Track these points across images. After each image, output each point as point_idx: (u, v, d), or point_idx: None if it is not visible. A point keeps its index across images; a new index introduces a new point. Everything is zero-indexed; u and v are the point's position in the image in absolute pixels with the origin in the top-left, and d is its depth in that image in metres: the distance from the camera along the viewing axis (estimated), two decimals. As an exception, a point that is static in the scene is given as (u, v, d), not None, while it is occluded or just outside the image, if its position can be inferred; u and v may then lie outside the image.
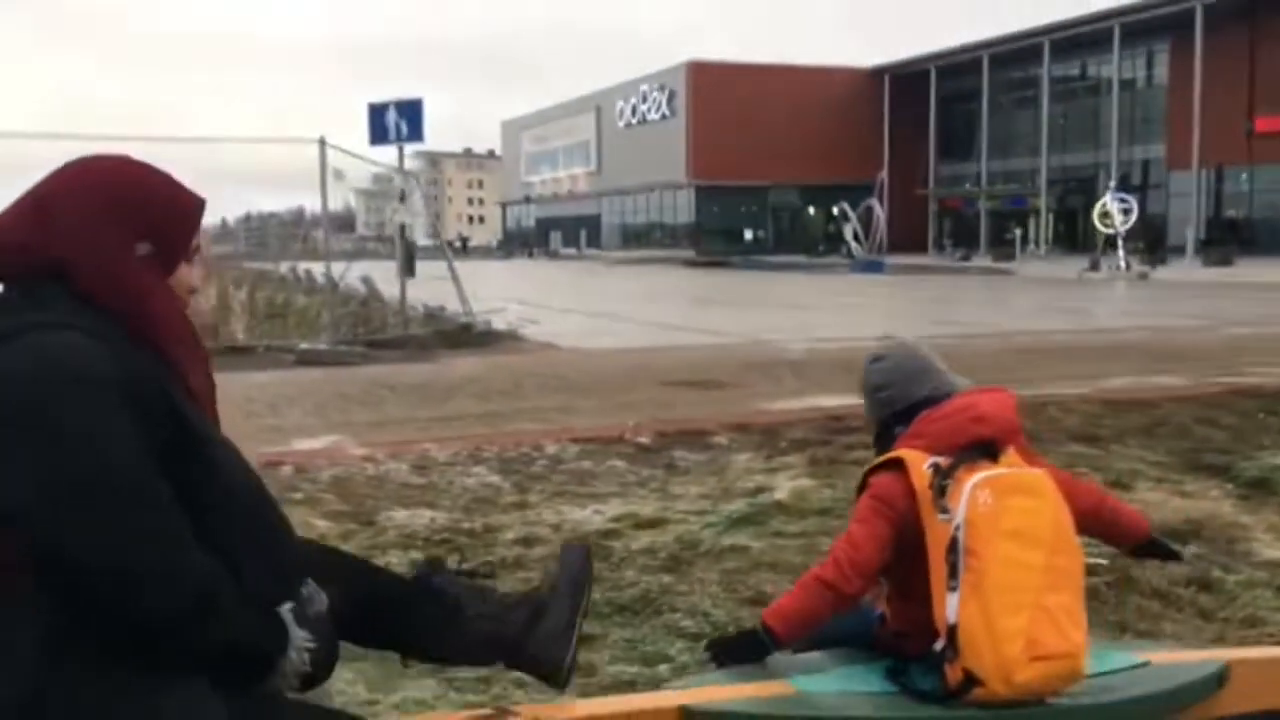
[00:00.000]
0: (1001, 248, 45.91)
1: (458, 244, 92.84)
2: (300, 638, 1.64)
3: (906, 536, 2.41)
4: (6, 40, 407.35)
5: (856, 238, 47.74)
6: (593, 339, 16.02)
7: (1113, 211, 36.41)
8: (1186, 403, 9.33)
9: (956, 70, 61.07)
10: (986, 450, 2.41)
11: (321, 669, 1.72)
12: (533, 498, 6.57)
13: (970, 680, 2.26)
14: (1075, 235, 52.35)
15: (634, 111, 73.77)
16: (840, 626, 2.63)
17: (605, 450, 7.75)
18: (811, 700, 2.33)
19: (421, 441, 8.07)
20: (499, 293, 25.61)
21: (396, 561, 5.30)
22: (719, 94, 65.25)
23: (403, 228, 16.19)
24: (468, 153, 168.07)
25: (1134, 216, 37.04)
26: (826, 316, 21.16)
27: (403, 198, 16.05)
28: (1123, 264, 35.28)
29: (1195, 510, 6.17)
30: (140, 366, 1.53)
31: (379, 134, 15.03)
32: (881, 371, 2.68)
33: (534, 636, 2.06)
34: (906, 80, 64.69)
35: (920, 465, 2.42)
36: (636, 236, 75.13)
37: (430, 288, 19.54)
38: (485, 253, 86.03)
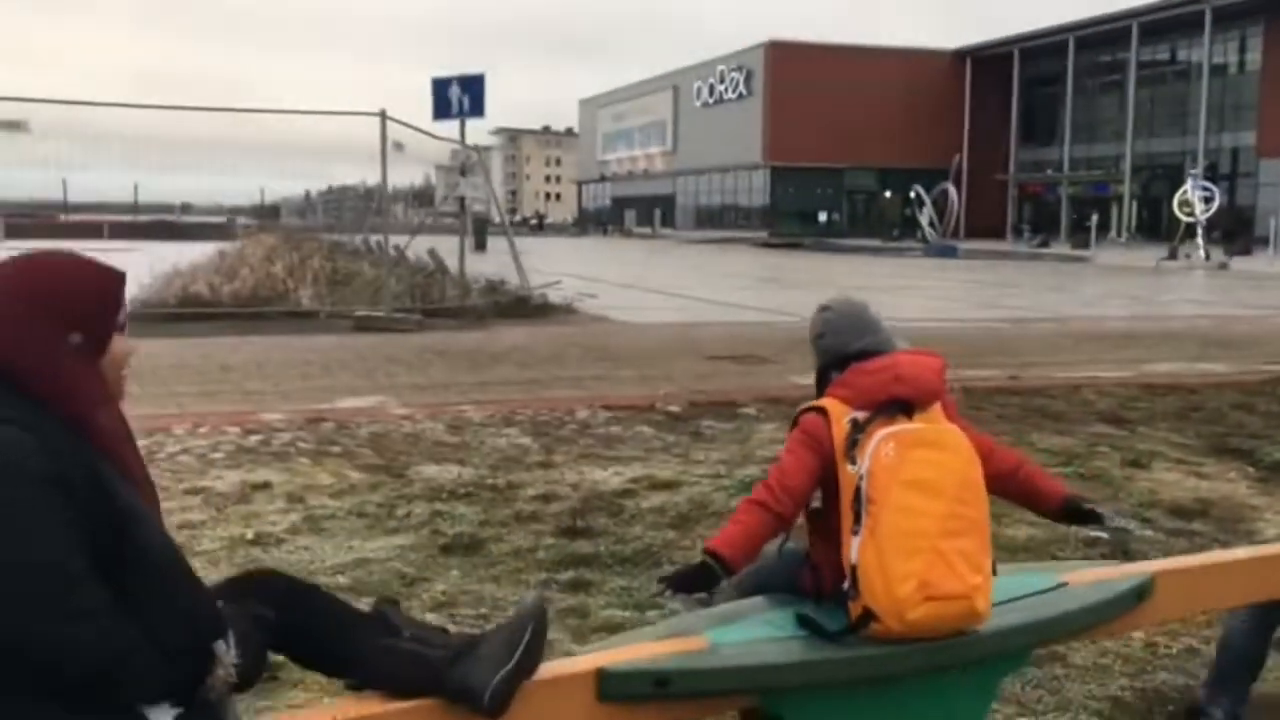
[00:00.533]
0: (1081, 235, 44.98)
1: (533, 221, 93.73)
2: (229, 658, 1.90)
3: (827, 479, 2.60)
4: (107, 13, 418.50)
5: (931, 222, 47.17)
6: (644, 313, 16.24)
7: (1193, 199, 35.51)
8: (1226, 389, 9.26)
9: (1041, 53, 59.85)
10: (902, 407, 2.57)
11: (247, 679, 1.99)
12: (558, 458, 6.83)
13: (868, 616, 2.45)
14: (1159, 223, 51.06)
15: (711, 91, 73.57)
16: (771, 575, 2.83)
17: (635, 417, 7.98)
18: (722, 652, 2.49)
19: (460, 404, 8.38)
20: (565, 268, 25.95)
21: (421, 514, 5.62)
22: (797, 75, 64.74)
23: (462, 201, 16.50)
24: (546, 130, 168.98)
25: (1215, 205, 36.07)
26: (883, 299, 20.93)
27: (464, 171, 16.37)
28: (1201, 253, 34.42)
29: (1209, 491, 6.21)
30: (72, 455, 1.73)
31: (442, 109, 15.34)
32: (823, 321, 2.86)
33: (459, 663, 2.13)
34: (989, 63, 63.56)
35: (842, 417, 2.59)
36: (710, 217, 75.01)
37: (499, 261, 19.90)
38: (560, 230, 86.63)
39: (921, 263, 37.61)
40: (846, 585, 2.49)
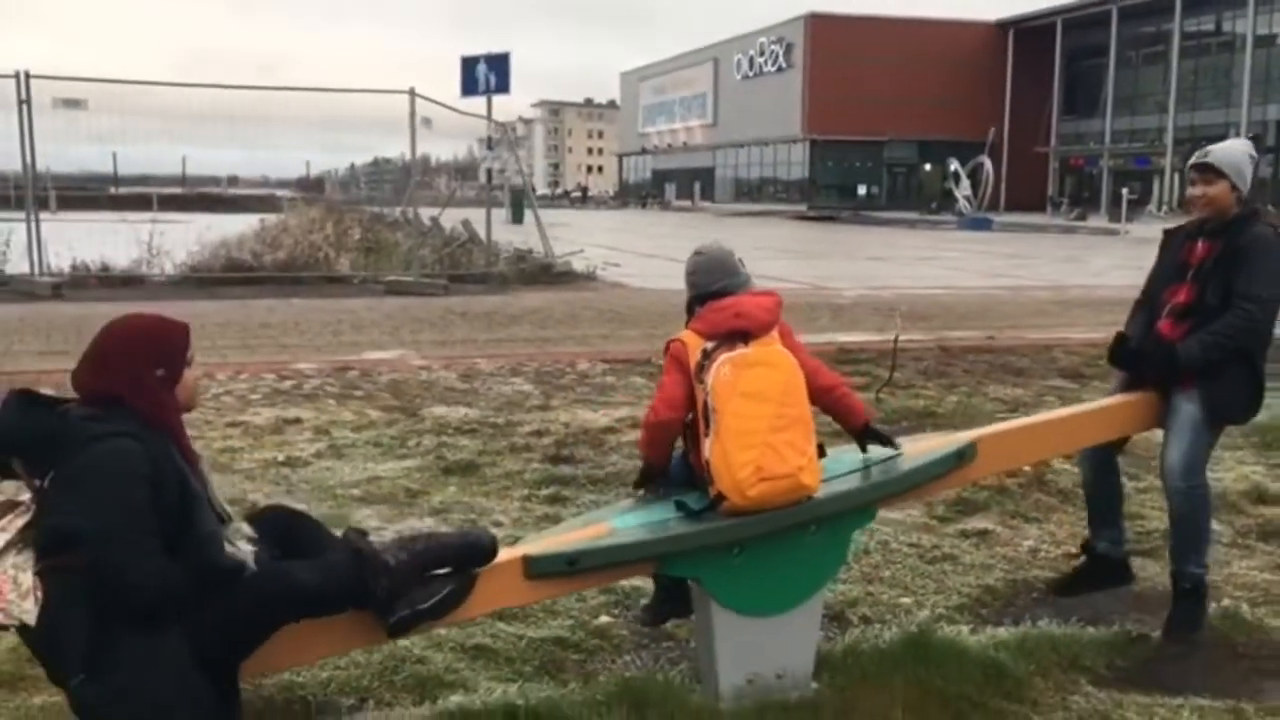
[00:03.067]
0: (1120, 208, 44.90)
1: (576, 194, 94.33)
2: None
3: (691, 397, 3.37)
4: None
5: (966, 195, 47.28)
6: (660, 280, 17.00)
7: (1226, 172, 35.35)
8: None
9: (1084, 24, 59.35)
10: (741, 336, 3.33)
11: None
12: (555, 402, 7.67)
13: (720, 497, 3.24)
14: (1202, 197, 50.53)
15: (751, 64, 73.65)
16: (676, 473, 3.58)
17: (630, 369, 8.79)
18: (618, 535, 3.29)
19: (474, 357, 9.24)
20: (597, 239, 26.71)
21: (429, 444, 6.46)
22: (837, 47, 64.68)
23: (489, 174, 17.31)
24: (589, 103, 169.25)
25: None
26: (897, 268, 21.69)
27: (490, 145, 17.15)
28: (1234, 226, 34.32)
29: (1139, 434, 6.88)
30: (160, 451, 2.63)
31: (469, 85, 16.12)
32: (693, 262, 3.60)
33: (394, 591, 2.88)
34: (1031, 34, 63.13)
35: (696, 348, 3.37)
36: (750, 190, 75.30)
37: (534, 232, 20.73)
38: (600, 203, 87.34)
39: (953, 235, 37.93)
40: (704, 476, 3.28)
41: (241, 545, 2.78)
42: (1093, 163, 59.98)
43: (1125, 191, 43.94)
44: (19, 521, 2.62)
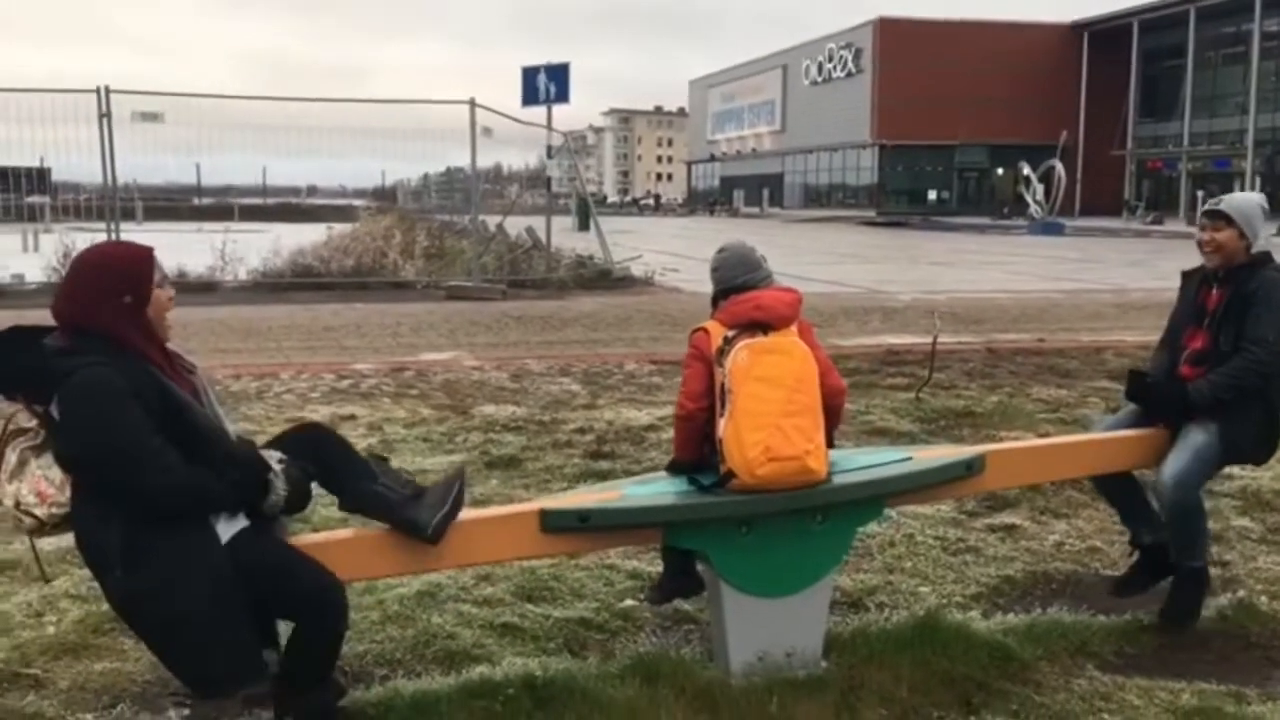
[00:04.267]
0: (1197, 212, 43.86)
1: (647, 201, 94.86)
2: (280, 488, 2.95)
3: (710, 379, 3.55)
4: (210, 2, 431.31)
5: (1037, 200, 46.59)
6: (718, 286, 17.07)
7: (1308, 174, 34.46)
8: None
9: (1161, 25, 58.20)
10: (761, 328, 3.51)
11: (294, 505, 3.02)
12: (600, 401, 7.87)
13: (729, 474, 3.40)
14: (1284, 199, 49.36)
15: (820, 70, 73.41)
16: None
17: (676, 370, 8.89)
18: (629, 499, 3.50)
19: (525, 359, 9.49)
20: (660, 246, 26.91)
21: (476, 440, 6.70)
22: (907, 51, 64.18)
23: (549, 182, 17.61)
24: (658, 110, 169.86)
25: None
26: (959, 272, 21.55)
27: (550, 154, 17.46)
28: (1315, 229, 33.44)
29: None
30: (136, 370, 2.74)
31: (530, 95, 16.45)
32: (717, 258, 3.81)
33: (410, 506, 3.10)
34: (1106, 35, 62.04)
35: (719, 334, 3.55)
36: (819, 196, 75.00)
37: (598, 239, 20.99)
38: (669, 211, 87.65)
39: (1022, 240, 37.45)
40: (716, 454, 3.45)
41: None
42: (1171, 166, 58.71)
43: (1200, 195, 42.90)
44: (30, 444, 2.81)
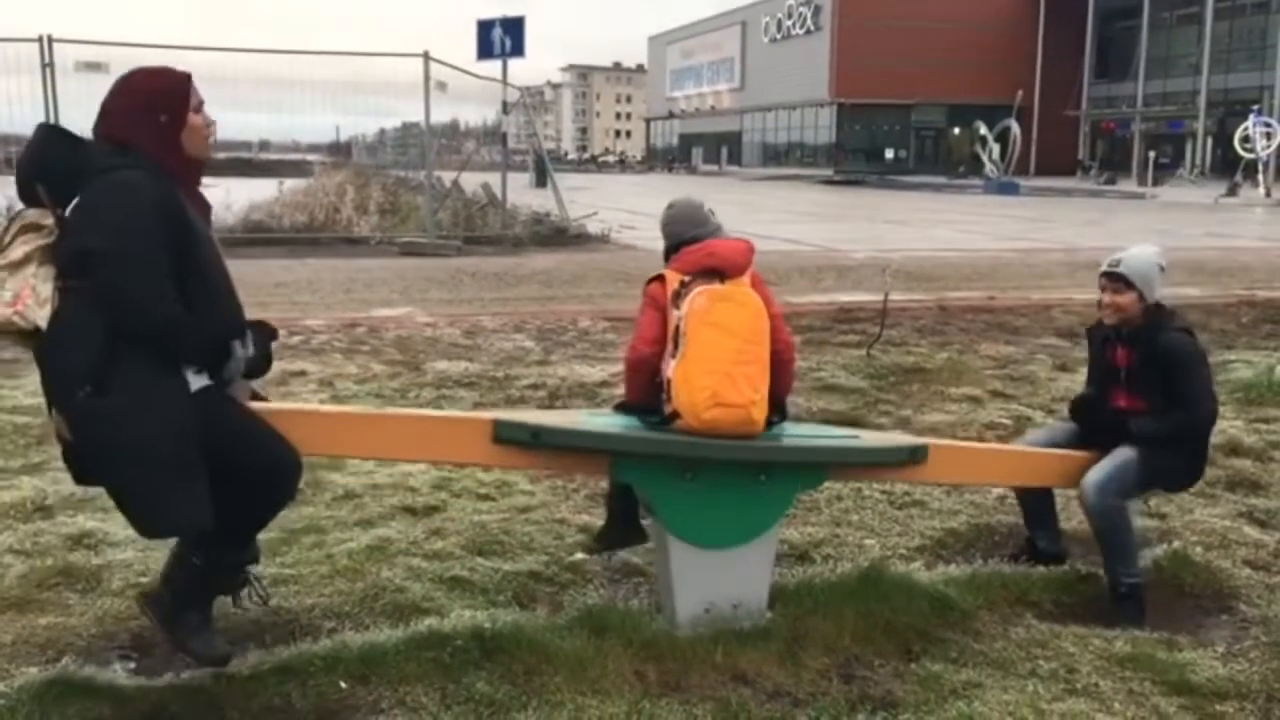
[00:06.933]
0: (1152, 172, 44.39)
1: (609, 159, 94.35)
2: (242, 353, 2.97)
3: (664, 323, 3.58)
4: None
5: (993, 159, 46.85)
6: (675, 243, 17.06)
7: (1254, 135, 34.97)
8: (1192, 310, 9.88)
9: (1116, -15, 58.43)
10: (715, 275, 3.54)
11: (254, 370, 3.06)
12: (554, 358, 7.87)
13: (675, 414, 3.43)
14: (1236, 160, 49.98)
15: (779, 27, 73.02)
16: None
17: (630, 326, 8.92)
18: (585, 424, 3.56)
19: (479, 315, 9.45)
20: (618, 204, 26.80)
21: (428, 396, 6.69)
22: (865, 9, 63.96)
23: (504, 137, 17.46)
24: (617, 67, 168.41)
25: (1277, 141, 35.45)
26: (914, 231, 21.67)
27: (505, 109, 17.29)
28: (1261, 190, 33.99)
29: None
30: (166, 189, 2.83)
31: (485, 49, 16.22)
32: (667, 214, 3.87)
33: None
34: (1063, -4, 62.19)
35: (674, 281, 3.57)
36: (777, 155, 74.90)
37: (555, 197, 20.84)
38: (627, 168, 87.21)
39: (977, 199, 37.69)
40: (664, 394, 3.48)
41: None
42: (1124, 126, 59.23)
43: (1153, 155, 43.42)
44: (41, 242, 2.83)
